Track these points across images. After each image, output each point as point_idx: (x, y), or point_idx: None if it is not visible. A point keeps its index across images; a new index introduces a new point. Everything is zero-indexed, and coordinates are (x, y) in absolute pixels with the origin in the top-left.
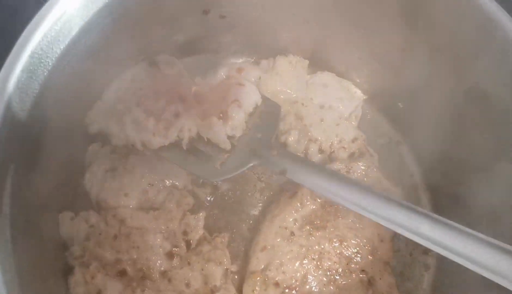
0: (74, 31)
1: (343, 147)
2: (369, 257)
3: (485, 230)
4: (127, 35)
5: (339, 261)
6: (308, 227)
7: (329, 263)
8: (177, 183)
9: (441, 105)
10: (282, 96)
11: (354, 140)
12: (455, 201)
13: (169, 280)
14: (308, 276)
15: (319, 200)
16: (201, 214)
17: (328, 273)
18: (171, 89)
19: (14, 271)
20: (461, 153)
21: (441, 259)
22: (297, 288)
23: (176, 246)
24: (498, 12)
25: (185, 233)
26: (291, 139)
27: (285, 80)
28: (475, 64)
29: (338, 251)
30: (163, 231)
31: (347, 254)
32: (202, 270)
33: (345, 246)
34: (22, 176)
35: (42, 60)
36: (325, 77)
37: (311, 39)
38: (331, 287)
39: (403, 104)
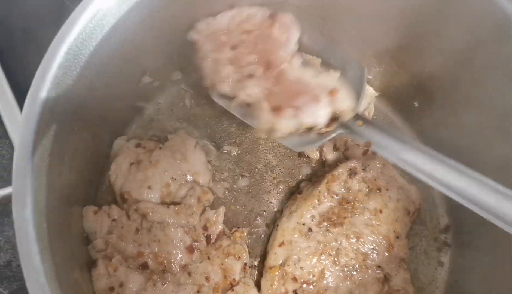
0: (106, 28)
1: (357, 145)
2: (385, 253)
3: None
4: (153, 34)
5: (356, 257)
6: (325, 224)
7: (346, 259)
8: (198, 179)
9: (459, 105)
10: None
11: None
12: None
13: (189, 274)
14: (326, 272)
15: (336, 197)
16: (221, 210)
17: (345, 269)
18: (266, 51)
19: (51, 261)
20: (480, 155)
21: (455, 256)
22: (315, 283)
23: (196, 241)
24: None
25: (205, 228)
26: None
27: None
28: (491, 62)
29: (355, 247)
30: (184, 226)
31: (363, 250)
32: (222, 264)
33: (361, 243)
34: (54, 169)
35: (77, 57)
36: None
37: (323, 36)
38: (348, 283)
39: (418, 103)
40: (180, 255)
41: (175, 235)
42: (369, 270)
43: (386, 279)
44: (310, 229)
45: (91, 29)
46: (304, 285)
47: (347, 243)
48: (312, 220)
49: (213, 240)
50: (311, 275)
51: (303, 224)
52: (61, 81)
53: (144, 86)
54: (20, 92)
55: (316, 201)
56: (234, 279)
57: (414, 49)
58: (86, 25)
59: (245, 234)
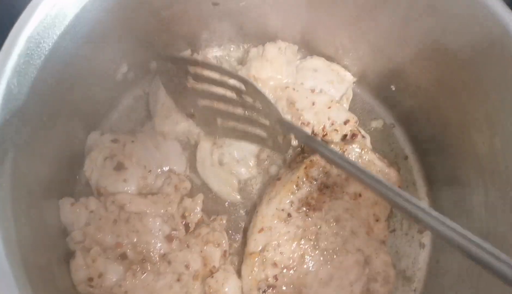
0: (69, 18)
1: (335, 130)
2: (365, 236)
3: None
4: (122, 25)
5: (336, 241)
6: (304, 209)
7: (326, 243)
8: (174, 168)
9: (434, 87)
10: (272, 83)
11: (346, 122)
12: (450, 183)
13: (169, 262)
14: (306, 256)
15: (315, 182)
16: (199, 197)
17: (325, 253)
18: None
19: (19, 257)
20: (455, 135)
21: (436, 237)
22: (295, 268)
23: (175, 229)
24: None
25: (183, 216)
26: None
27: (275, 66)
28: (468, 47)
29: (334, 231)
30: (162, 215)
31: (343, 234)
32: (201, 252)
33: (341, 226)
34: (22, 160)
35: (39, 45)
36: (315, 61)
37: (300, 23)
38: (328, 267)
39: (395, 86)
40: (159, 245)
41: (154, 225)
42: (349, 254)
43: (366, 262)
44: (289, 215)
45: (53, 18)
46: (285, 270)
47: (327, 227)
48: (291, 206)
49: (192, 229)
50: (291, 260)
51: (282, 210)
52: (23, 70)
53: (119, 77)
54: None
55: (294, 186)
56: (214, 266)
57: (392, 35)
58: (47, 13)
59: (224, 221)
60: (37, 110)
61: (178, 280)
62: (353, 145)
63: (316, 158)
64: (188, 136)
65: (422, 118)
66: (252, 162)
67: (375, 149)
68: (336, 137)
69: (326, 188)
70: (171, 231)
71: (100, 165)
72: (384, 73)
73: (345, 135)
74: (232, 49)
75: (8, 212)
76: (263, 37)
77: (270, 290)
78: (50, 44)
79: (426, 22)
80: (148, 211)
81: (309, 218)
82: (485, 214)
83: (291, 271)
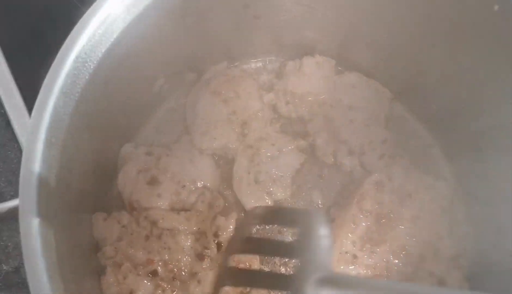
0: (116, 34)
1: (373, 149)
2: (433, 258)
3: None
4: (165, 39)
5: (407, 270)
6: (368, 245)
7: (398, 275)
8: (208, 185)
9: (482, 107)
10: (310, 98)
11: (384, 141)
12: (491, 205)
13: (199, 282)
14: None
15: (370, 215)
16: (232, 216)
17: None
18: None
19: (59, 277)
20: (498, 157)
21: None
22: None
23: (207, 248)
24: None
25: (216, 234)
26: (320, 141)
27: (313, 81)
28: None
29: (404, 261)
30: (195, 233)
31: (412, 261)
32: None
33: (408, 254)
34: (63, 179)
35: (85, 64)
36: (352, 77)
37: (338, 37)
38: None
39: (437, 105)
40: (190, 263)
41: (185, 243)
42: (423, 280)
43: (441, 284)
44: (354, 256)
45: (100, 35)
46: None
47: (396, 259)
48: (354, 246)
49: (224, 248)
50: None
51: (346, 253)
52: (69, 90)
53: (155, 89)
54: (29, 94)
55: (352, 225)
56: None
57: (426, 47)
58: (95, 31)
59: None
60: (77, 128)
61: None
62: (397, 167)
63: (365, 189)
64: (226, 151)
65: (464, 139)
66: (288, 183)
67: (412, 168)
68: (374, 157)
69: (383, 218)
70: (203, 250)
71: (133, 179)
72: (424, 90)
73: (383, 155)
74: (268, 61)
75: (51, 237)
76: (300, 50)
77: None
78: (95, 62)
79: (466, 34)
80: (181, 228)
81: (375, 254)
82: None
83: None
